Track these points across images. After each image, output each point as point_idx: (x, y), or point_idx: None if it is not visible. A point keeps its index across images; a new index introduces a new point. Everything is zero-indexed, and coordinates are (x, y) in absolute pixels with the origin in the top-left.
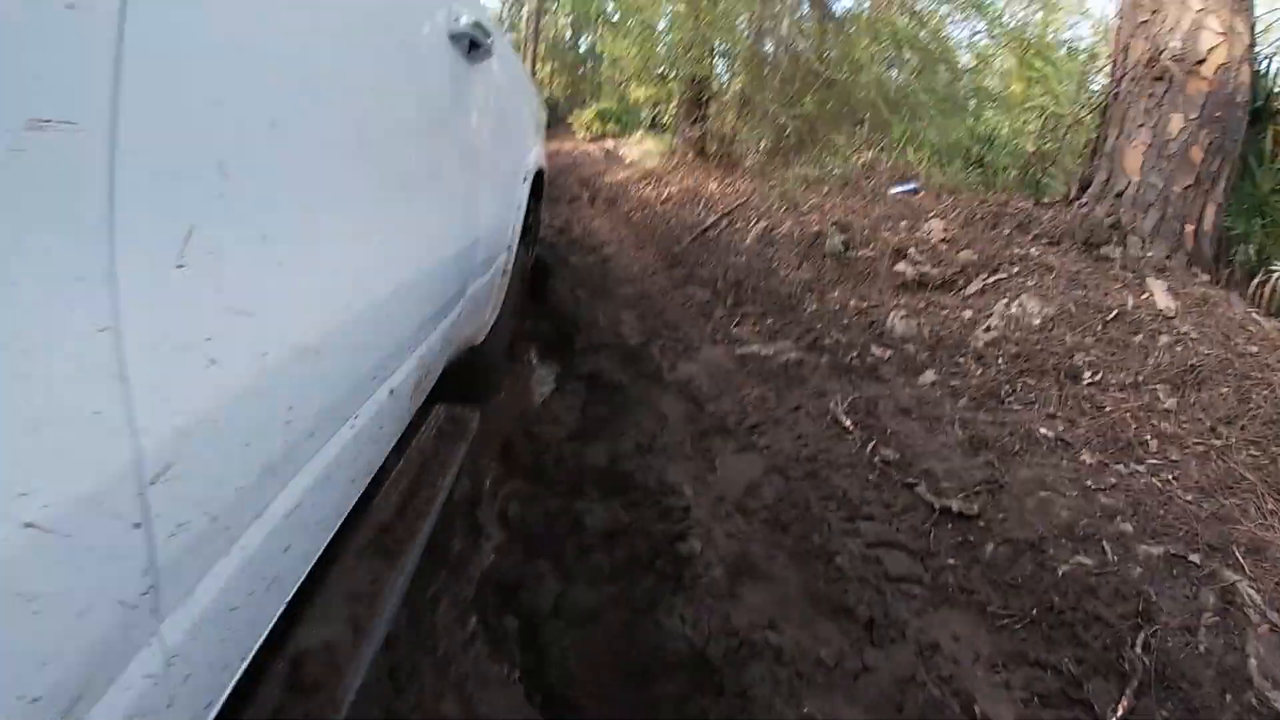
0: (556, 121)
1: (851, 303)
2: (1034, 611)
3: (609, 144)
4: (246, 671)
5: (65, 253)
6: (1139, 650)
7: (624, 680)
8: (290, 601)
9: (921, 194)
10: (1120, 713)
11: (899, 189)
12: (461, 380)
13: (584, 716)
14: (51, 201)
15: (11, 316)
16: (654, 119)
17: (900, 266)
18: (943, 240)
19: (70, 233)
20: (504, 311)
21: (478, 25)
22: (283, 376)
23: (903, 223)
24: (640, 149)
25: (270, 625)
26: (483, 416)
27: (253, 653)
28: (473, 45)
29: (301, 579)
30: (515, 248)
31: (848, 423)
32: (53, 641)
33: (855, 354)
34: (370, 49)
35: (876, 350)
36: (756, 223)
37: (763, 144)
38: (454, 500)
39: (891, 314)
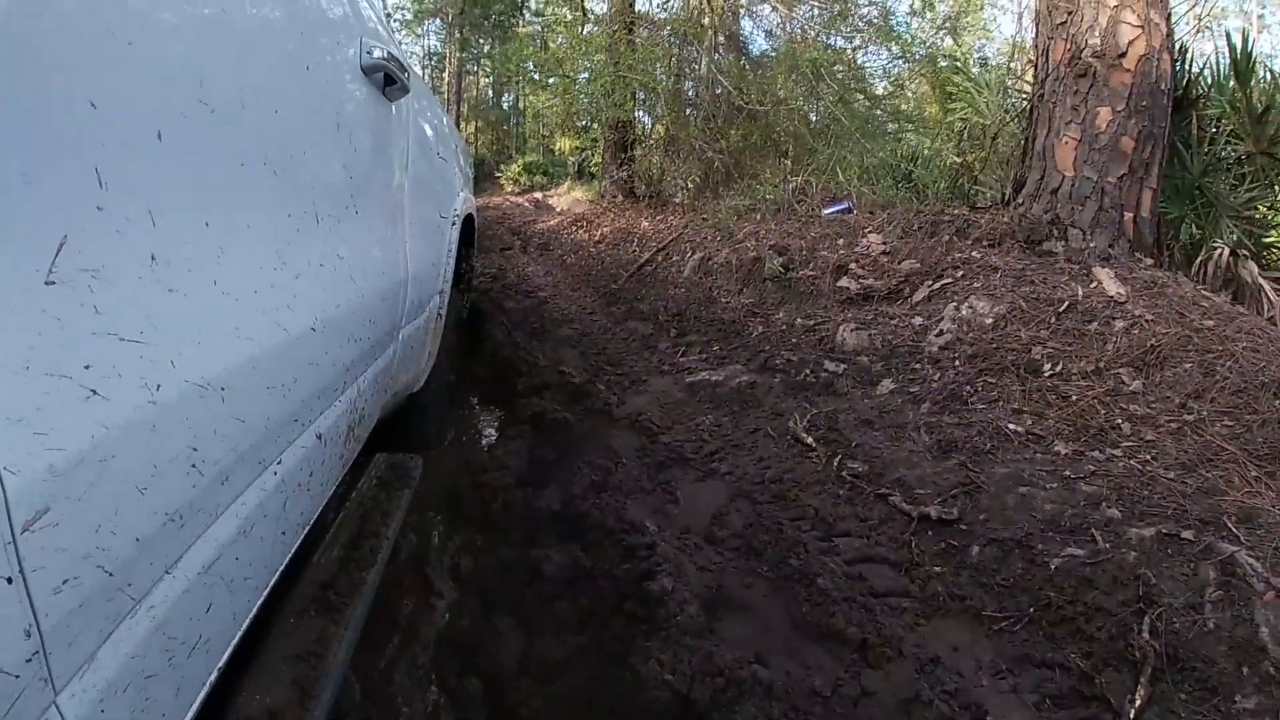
0: (484, 177)
1: (798, 321)
2: (1031, 610)
3: (537, 195)
4: None
5: None
6: (1146, 636)
7: None
8: (227, 667)
9: (854, 213)
10: (1139, 703)
11: (832, 209)
12: (402, 429)
13: None
14: None
15: None
16: (580, 167)
17: (844, 282)
18: (883, 253)
19: None
20: (441, 358)
21: (392, 58)
22: (180, 413)
23: (840, 240)
24: (569, 198)
25: (203, 693)
26: (426, 467)
27: None
28: (388, 81)
29: (234, 641)
30: (448, 292)
31: (810, 440)
32: None
33: (808, 371)
34: (273, 68)
35: (830, 365)
36: (692, 254)
37: (691, 180)
38: (402, 558)
39: (840, 329)
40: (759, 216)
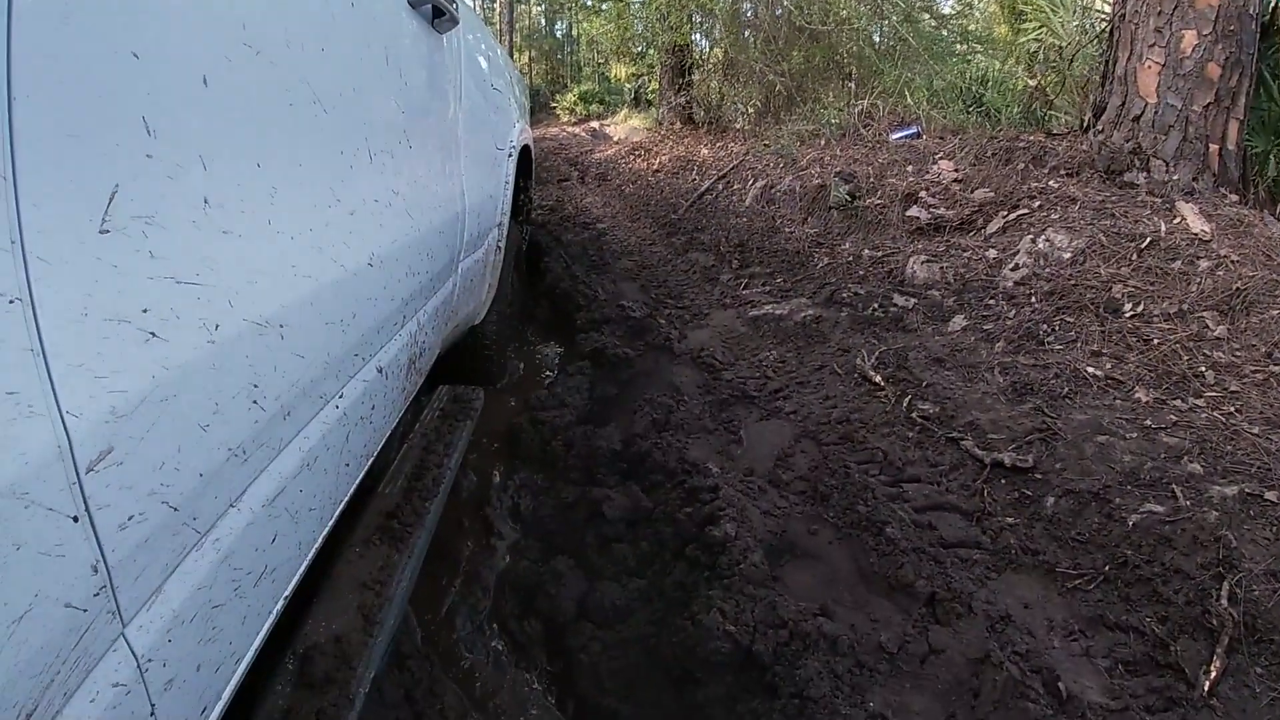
0: (540, 108)
1: (865, 253)
2: (1107, 569)
3: (594, 124)
4: (252, 670)
5: None
6: (1225, 603)
7: (663, 684)
8: (294, 595)
9: (923, 138)
10: (1214, 675)
11: (900, 134)
12: (465, 364)
13: None
14: None
15: None
16: (637, 95)
17: (913, 211)
18: (955, 181)
19: None
20: (501, 290)
21: None
22: (240, 351)
23: (909, 167)
24: (626, 126)
25: (270, 621)
26: (486, 405)
27: (253, 651)
28: (436, 13)
29: (301, 571)
30: (506, 224)
31: (878, 378)
32: None
33: (877, 305)
34: (318, 6)
35: (899, 300)
36: (754, 182)
37: (751, 105)
38: (462, 498)
39: (910, 261)
40: (823, 142)
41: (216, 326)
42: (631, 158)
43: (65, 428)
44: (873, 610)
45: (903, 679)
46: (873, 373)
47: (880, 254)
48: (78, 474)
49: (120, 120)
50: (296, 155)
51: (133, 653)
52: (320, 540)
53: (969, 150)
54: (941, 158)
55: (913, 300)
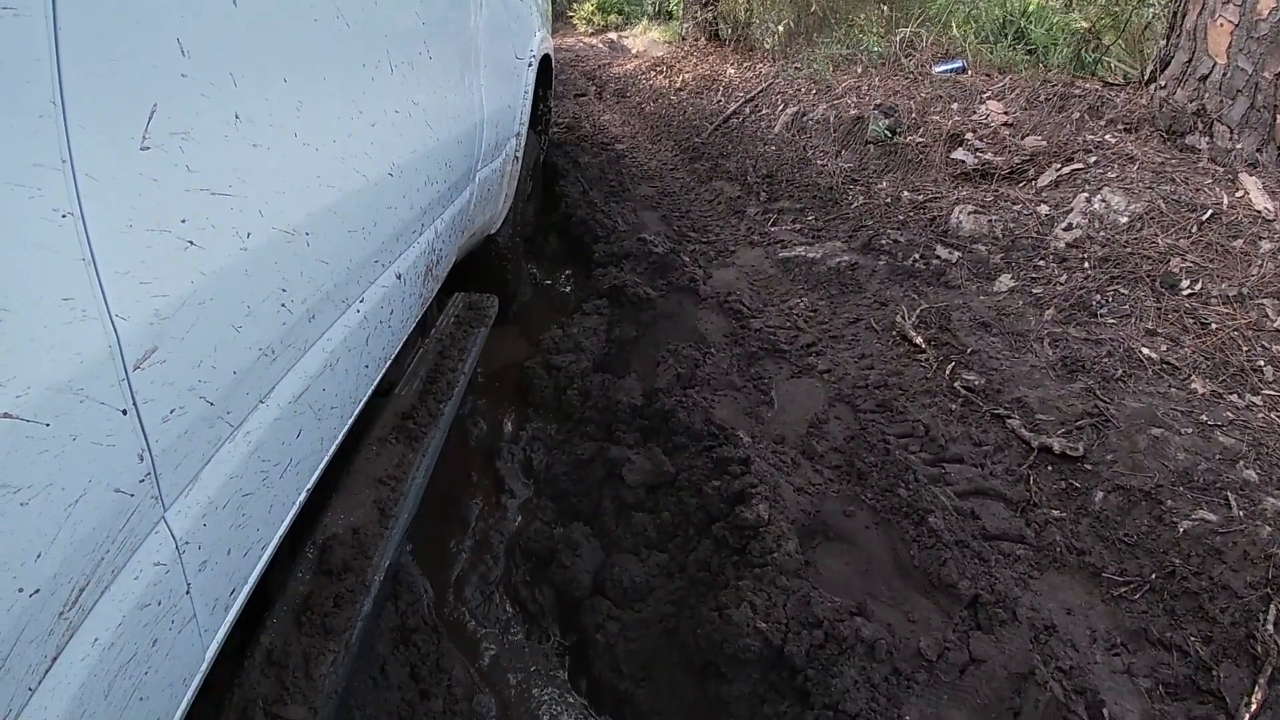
0: (556, 16)
1: (905, 195)
2: (1154, 577)
3: (612, 36)
4: (275, 559)
5: (16, 139)
6: (1271, 629)
7: (684, 673)
8: (314, 490)
9: (969, 73)
10: (1254, 706)
11: (943, 68)
12: (482, 273)
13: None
14: None
15: None
16: (658, 6)
17: (958, 154)
18: (1004, 124)
19: (18, 119)
20: (518, 202)
21: None
22: (270, 257)
23: (954, 105)
24: (645, 39)
25: (293, 511)
26: (496, 343)
27: (277, 539)
28: None
29: (322, 465)
30: (525, 135)
31: (919, 339)
32: (45, 532)
33: (918, 256)
34: None
35: (942, 251)
36: (784, 108)
37: (782, 24)
38: (472, 448)
39: (955, 210)
40: (860, 69)
41: (248, 235)
42: (652, 74)
43: (115, 329)
44: (912, 610)
45: (941, 690)
46: (913, 333)
47: (921, 198)
48: (126, 371)
49: (156, 42)
50: (321, 69)
51: (172, 535)
52: (340, 437)
53: (1020, 92)
54: (989, 98)
55: (956, 254)
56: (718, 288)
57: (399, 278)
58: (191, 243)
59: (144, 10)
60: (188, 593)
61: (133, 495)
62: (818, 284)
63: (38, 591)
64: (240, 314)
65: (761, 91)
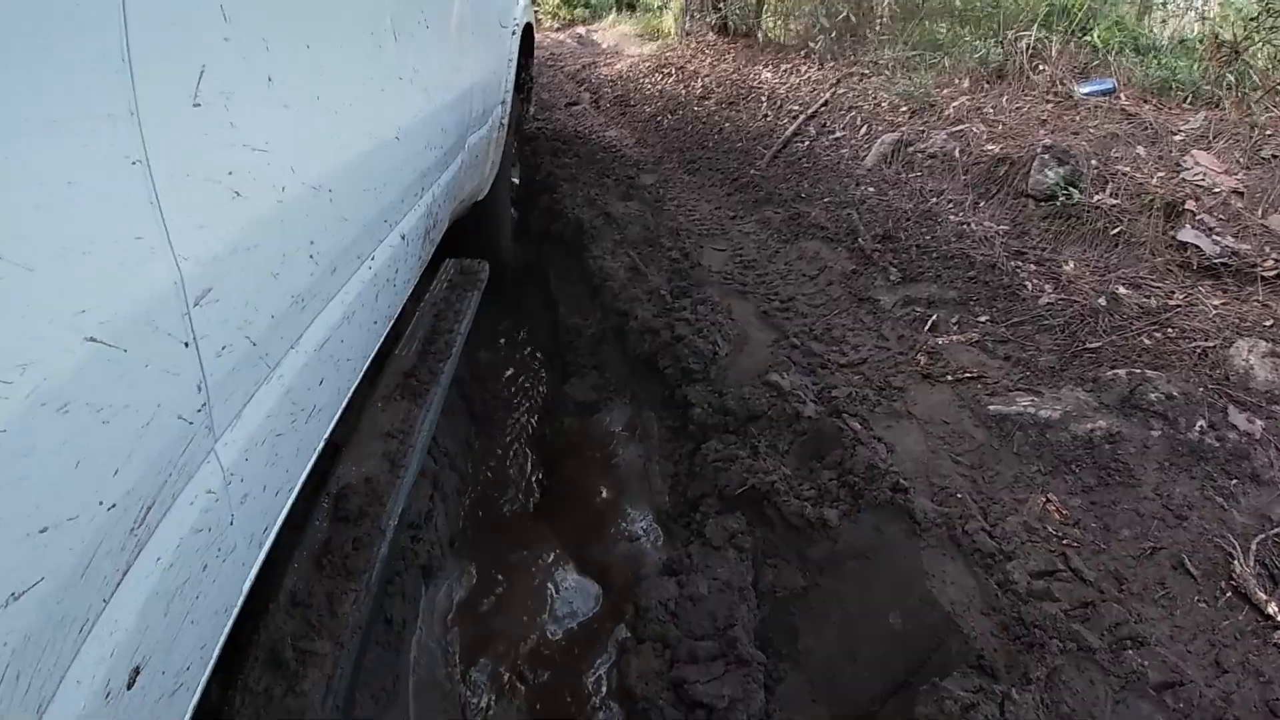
0: None
1: (1123, 294)
2: None
3: (580, 30)
4: (294, 507)
5: (94, 92)
6: None
7: None
8: (330, 442)
9: (1121, 96)
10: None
11: (1090, 88)
12: (472, 239)
13: None
14: (76, 44)
15: (55, 150)
16: None
17: (1187, 235)
18: (1234, 191)
19: (97, 73)
20: (504, 166)
21: None
22: (301, 210)
23: (1140, 149)
24: (615, 32)
25: (314, 455)
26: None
27: (301, 481)
28: None
29: (338, 414)
30: (510, 102)
31: (1269, 604)
32: (122, 450)
33: (1204, 424)
34: None
35: (1237, 417)
36: (868, 130)
37: (841, 14)
38: None
39: (1238, 346)
40: (966, 82)
41: (283, 188)
42: (657, 77)
43: (179, 268)
44: None
45: None
46: (1257, 589)
47: (1154, 303)
48: (188, 307)
49: (206, 7)
50: (337, 37)
51: (220, 466)
52: (353, 389)
53: (1227, 138)
54: (1187, 142)
55: (1259, 422)
56: (931, 491)
57: (403, 239)
58: (238, 193)
59: None
60: (231, 523)
61: (191, 423)
62: (1059, 466)
63: (115, 506)
64: (277, 262)
65: (825, 105)
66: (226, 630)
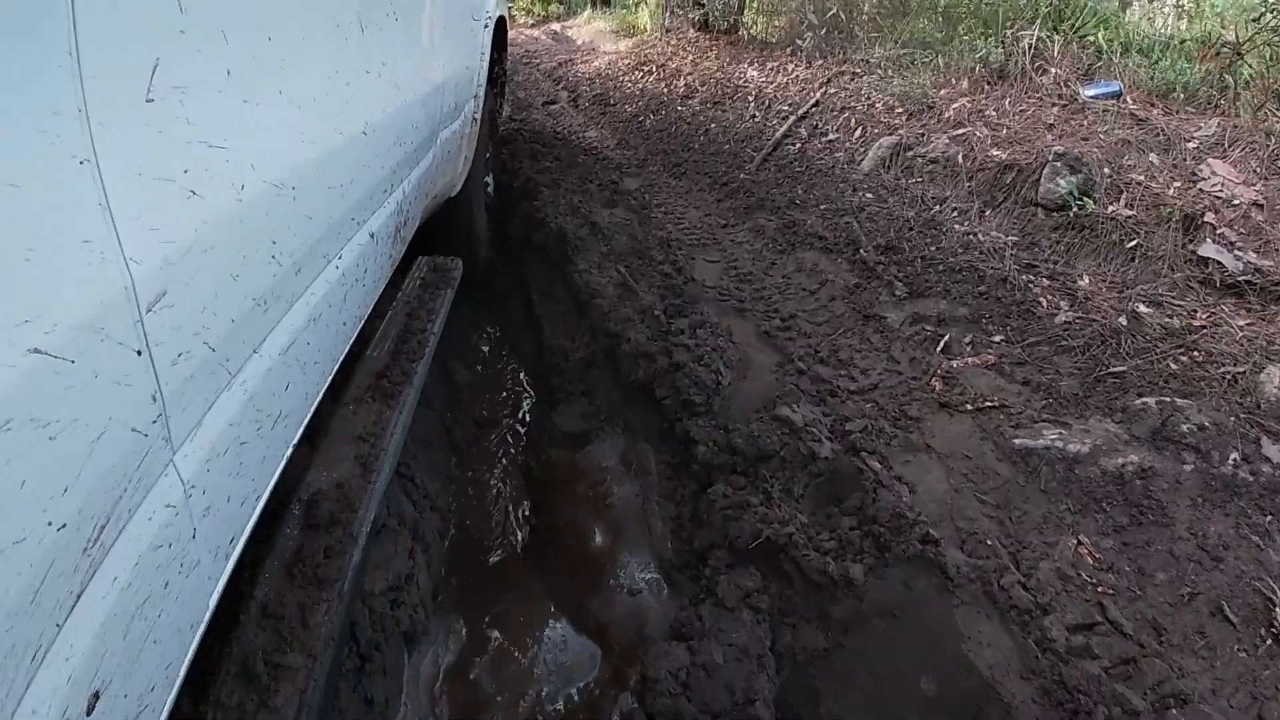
0: None
1: (1142, 311)
2: None
3: (554, 27)
4: (264, 515)
5: (38, 87)
6: None
7: None
8: (298, 447)
9: (1128, 100)
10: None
11: (1095, 91)
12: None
13: None
14: (18, 36)
15: None
16: None
17: (1208, 250)
18: (1254, 203)
19: (40, 68)
20: (478, 163)
21: None
22: (262, 209)
23: (1153, 156)
24: (590, 29)
25: (282, 463)
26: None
27: (269, 490)
28: None
29: (306, 420)
30: (483, 96)
31: None
32: (71, 467)
33: (1237, 456)
34: None
35: (1271, 450)
36: (863, 132)
37: (830, 10)
38: None
39: (1268, 372)
40: (965, 83)
41: (243, 187)
42: (637, 74)
43: (130, 272)
44: None
45: None
46: None
47: (1177, 323)
48: (140, 313)
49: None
50: (300, 29)
51: (180, 478)
52: (321, 393)
53: (1242, 146)
54: (1201, 150)
55: None
56: (964, 543)
57: (372, 237)
58: (193, 192)
59: None
60: (194, 537)
61: (146, 435)
62: (1089, 504)
63: (65, 526)
64: (237, 263)
65: (814, 105)
66: (193, 647)
